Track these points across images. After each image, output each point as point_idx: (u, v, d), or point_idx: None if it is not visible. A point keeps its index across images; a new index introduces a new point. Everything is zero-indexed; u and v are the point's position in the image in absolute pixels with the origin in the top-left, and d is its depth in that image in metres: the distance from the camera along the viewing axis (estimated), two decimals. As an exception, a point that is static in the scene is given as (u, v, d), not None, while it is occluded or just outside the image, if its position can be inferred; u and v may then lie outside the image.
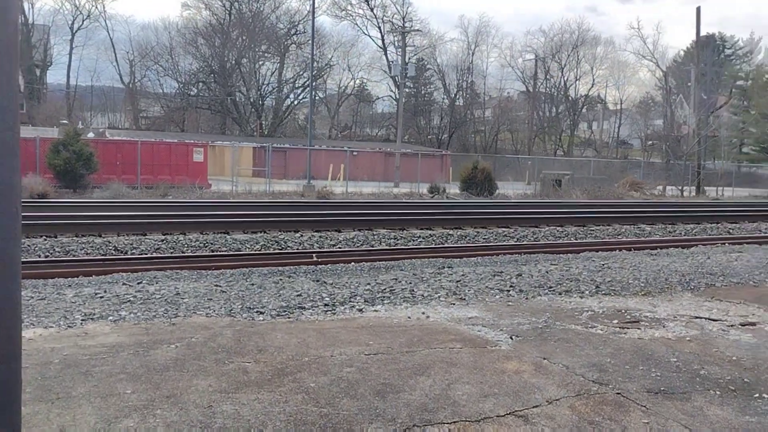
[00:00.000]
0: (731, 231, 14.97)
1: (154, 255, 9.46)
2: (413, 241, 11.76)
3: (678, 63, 77.13)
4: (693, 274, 8.28)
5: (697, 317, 5.75)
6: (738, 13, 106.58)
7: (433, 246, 10.95)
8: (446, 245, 11.17)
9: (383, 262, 8.95)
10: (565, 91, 77.53)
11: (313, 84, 49.90)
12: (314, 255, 9.52)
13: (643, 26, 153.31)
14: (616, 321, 5.51)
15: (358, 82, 72.32)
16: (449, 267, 8.61)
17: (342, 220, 13.49)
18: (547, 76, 76.23)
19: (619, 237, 13.26)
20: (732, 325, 5.47)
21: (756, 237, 13.26)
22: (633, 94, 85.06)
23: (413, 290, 6.84)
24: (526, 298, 6.66)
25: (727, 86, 76.58)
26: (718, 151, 57.80)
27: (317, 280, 7.43)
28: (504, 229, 13.51)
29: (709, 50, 65.62)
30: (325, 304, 6.07)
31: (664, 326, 5.36)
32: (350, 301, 6.26)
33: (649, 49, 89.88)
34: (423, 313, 5.83)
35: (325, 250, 10.52)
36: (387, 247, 10.84)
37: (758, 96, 71.29)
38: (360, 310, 5.91)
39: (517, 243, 11.57)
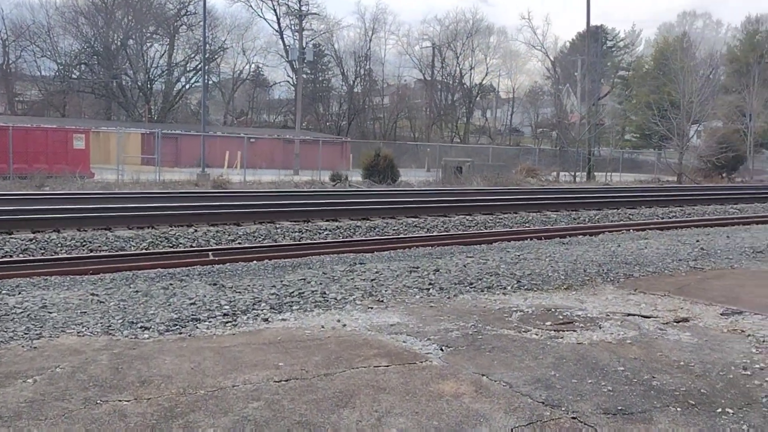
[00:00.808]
0: (631, 216, 15.27)
1: (19, 258, 8.19)
2: (319, 233, 11.01)
3: (564, 54, 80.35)
4: (609, 263, 8.07)
5: (629, 314, 5.41)
6: (617, 7, 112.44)
7: (342, 240, 10.25)
8: (356, 238, 10.51)
9: (289, 260, 8.16)
10: (460, 79, 78.81)
11: (206, 68, 47.65)
12: (210, 253, 8.59)
13: (533, 17, 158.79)
14: (549, 323, 5.05)
15: (253, 66, 70.17)
16: (361, 263, 7.96)
17: (241, 212, 12.46)
18: (444, 65, 77.14)
19: (528, 225, 13.13)
20: (667, 323, 5.15)
21: (657, 223, 13.52)
22: (524, 83, 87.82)
23: (325, 292, 6.13)
24: (449, 298, 6.12)
25: (610, 76, 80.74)
26: (605, 138, 60.55)
27: (214, 284, 6.56)
28: (413, 219, 13.02)
29: (594, 42, 68.66)
30: (225, 314, 5.25)
31: (600, 327, 4.96)
32: (254, 309, 5.47)
33: (539, 39, 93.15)
34: (338, 320, 5.15)
35: (222, 247, 9.58)
36: (292, 242, 10.02)
37: (638, 86, 75.58)
38: (266, 320, 5.15)
39: (429, 234, 11.08)
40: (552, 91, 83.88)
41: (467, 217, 13.75)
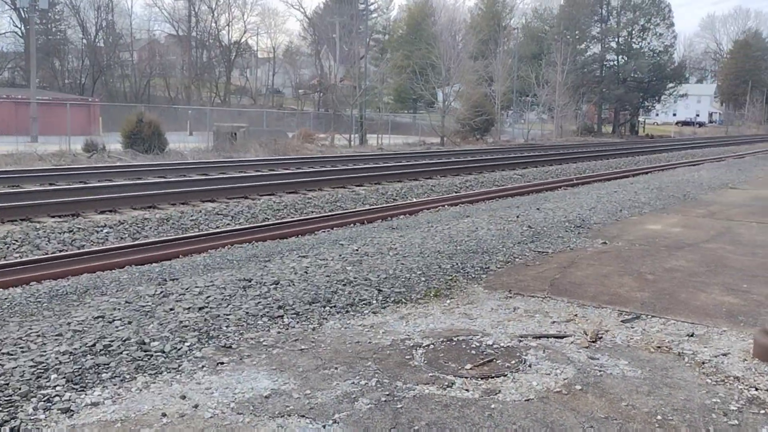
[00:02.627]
0: (434, 188, 14.98)
1: None
2: (97, 233, 8.65)
3: (319, 14, 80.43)
4: (456, 254, 7.28)
5: (540, 337, 4.56)
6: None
7: (133, 244, 7.99)
8: (152, 239, 8.36)
9: (66, 281, 6.03)
10: (216, 35, 74.69)
11: None
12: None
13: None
14: (469, 366, 3.97)
15: (-34, 12, 58.80)
16: (173, 279, 6.14)
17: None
18: (198, 20, 72.28)
19: (339, 205, 11.99)
20: (588, 347, 4.38)
21: (467, 196, 13.15)
22: (284, 43, 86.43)
23: (143, 341, 4.36)
24: (314, 329, 4.75)
25: (365, 39, 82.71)
26: (368, 101, 61.86)
27: (-38, 342, 4.38)
28: (211, 203, 11.11)
29: (348, 4, 69.42)
30: (-8, 412, 3.31)
31: (527, 363, 4.01)
32: (40, 390, 3.58)
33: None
34: (183, 396, 3.54)
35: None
36: (63, 254, 7.54)
37: (394, 49, 78.47)
38: (66, 411, 3.35)
39: (242, 226, 9.23)
40: (309, 51, 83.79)
41: (272, 198, 12.20)
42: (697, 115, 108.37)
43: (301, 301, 5.34)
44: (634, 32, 70.05)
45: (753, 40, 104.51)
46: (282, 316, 4.99)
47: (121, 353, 4.14)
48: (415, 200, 12.64)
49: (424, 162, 21.78)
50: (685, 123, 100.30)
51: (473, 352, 4.22)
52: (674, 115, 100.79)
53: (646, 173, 20.23)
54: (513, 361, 4.03)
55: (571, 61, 55.98)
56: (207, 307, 5.15)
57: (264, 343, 4.41)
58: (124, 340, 4.35)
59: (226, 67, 75.03)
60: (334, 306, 5.32)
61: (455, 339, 4.47)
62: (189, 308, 5.10)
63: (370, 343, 4.43)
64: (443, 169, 18.80)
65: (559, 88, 51.94)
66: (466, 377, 3.80)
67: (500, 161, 22.92)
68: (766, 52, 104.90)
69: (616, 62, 70.41)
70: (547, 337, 4.53)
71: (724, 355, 4.23)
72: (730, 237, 8.74)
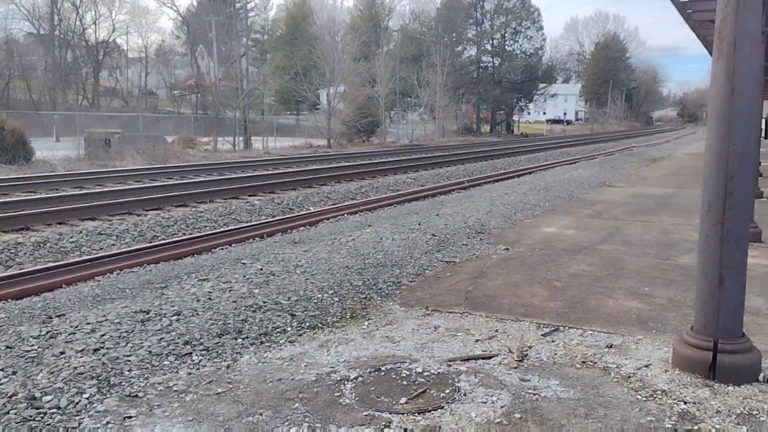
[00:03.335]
0: (330, 195, 14.68)
1: None
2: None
3: (194, 13, 77.71)
4: (365, 268, 7.09)
5: (468, 359, 4.44)
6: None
7: (7, 275, 7.03)
8: (30, 268, 7.43)
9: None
10: (82, 34, 70.20)
11: None
12: None
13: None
14: (403, 400, 3.77)
15: None
16: (59, 315, 5.46)
17: None
18: (61, 18, 67.58)
19: (234, 217, 11.40)
20: (517, 367, 4.31)
21: (366, 203, 12.89)
22: (156, 42, 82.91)
23: (33, 395, 3.80)
24: (228, 366, 4.38)
25: (243, 39, 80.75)
26: (252, 103, 60.47)
27: None
28: (92, 222, 10.18)
29: (222, 2, 67.48)
30: None
31: (461, 392, 3.87)
32: None
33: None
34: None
35: None
36: None
37: (274, 50, 77.25)
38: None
39: (131, 249, 8.32)
40: (184, 51, 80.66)
41: (159, 213, 11.41)
42: (565, 114, 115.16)
43: (209, 334, 4.93)
44: (507, 35, 73.23)
45: (612, 42, 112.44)
46: (190, 354, 4.57)
47: (7, 413, 3.59)
48: (313, 210, 12.31)
49: (315, 167, 21.43)
50: (555, 121, 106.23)
51: (404, 382, 4.03)
52: (544, 113, 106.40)
53: (530, 173, 21.04)
54: (447, 390, 3.88)
55: (450, 63, 57.55)
56: (103, 347, 4.62)
57: (174, 388, 3.99)
58: (11, 397, 3.78)
59: (93, 67, 70.73)
60: (247, 337, 4.95)
61: (383, 368, 4.26)
62: (82, 350, 4.55)
63: (293, 379, 4.12)
64: (337, 175, 18.54)
65: (439, 89, 53.23)
66: (403, 413, 3.60)
67: (392, 165, 23.02)
68: (623, 53, 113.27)
69: (491, 64, 73.25)
70: (476, 359, 4.43)
71: (646, 366, 4.30)
72: (621, 238, 9.14)
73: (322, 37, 56.19)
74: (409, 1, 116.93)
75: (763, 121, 25.80)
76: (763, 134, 25.58)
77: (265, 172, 19.19)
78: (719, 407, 3.65)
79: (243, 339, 4.90)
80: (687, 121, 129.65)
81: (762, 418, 3.53)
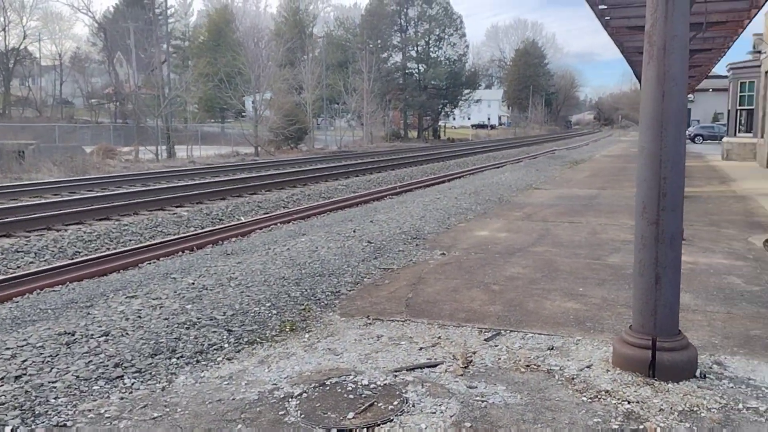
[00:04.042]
0: (261, 204, 14.33)
1: None
2: None
3: (110, 19, 75.07)
4: (302, 278, 6.93)
5: (414, 369, 4.38)
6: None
7: None
8: None
9: None
10: (-11, 41, 66.67)
11: None
12: None
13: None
14: (351, 415, 3.65)
15: None
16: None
17: None
18: (-35, 24, 63.97)
19: (160, 229, 10.91)
20: (463, 374, 4.28)
21: (298, 211, 12.64)
22: (71, 49, 79.72)
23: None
24: (163, 388, 4.15)
25: (164, 45, 78.57)
26: (175, 111, 58.86)
27: None
28: (7, 239, 9.51)
29: (140, 8, 65.54)
30: None
31: (410, 403, 3.79)
32: None
33: (83, 2, 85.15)
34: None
35: None
36: None
37: (196, 56, 75.47)
38: None
39: (52, 266, 7.72)
40: (100, 58, 77.69)
41: (81, 228, 10.81)
42: (489, 119, 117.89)
43: (140, 355, 4.67)
44: (431, 42, 74.18)
45: (531, 48, 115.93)
46: (121, 377, 4.31)
47: None
48: (244, 219, 11.97)
49: (244, 176, 20.94)
50: (480, 126, 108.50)
51: (351, 396, 3.92)
52: (469, 119, 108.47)
53: (460, 177, 21.32)
54: (395, 402, 3.79)
55: (376, 69, 57.81)
56: (25, 374, 4.30)
57: (106, 415, 3.75)
58: None
59: (3, 76, 67.18)
60: (181, 356, 4.72)
61: (328, 382, 4.13)
62: (2, 378, 4.21)
63: (233, 399, 3.94)
64: (267, 183, 18.15)
65: (366, 96, 53.36)
66: (351, 429, 3.49)
67: (322, 172, 22.83)
68: (542, 59, 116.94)
69: (417, 70, 74.05)
70: (421, 368, 4.36)
71: (588, 367, 4.35)
72: (551, 239, 9.33)
73: (246, 44, 55.39)
74: (332, 8, 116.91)
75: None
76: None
77: (191, 182, 18.62)
78: (662, 405, 3.72)
79: (177, 358, 4.67)
80: (603, 124, 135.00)
81: (702, 414, 3.62)
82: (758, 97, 24.71)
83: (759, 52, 25.44)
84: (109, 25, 72.98)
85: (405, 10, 73.08)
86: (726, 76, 28.42)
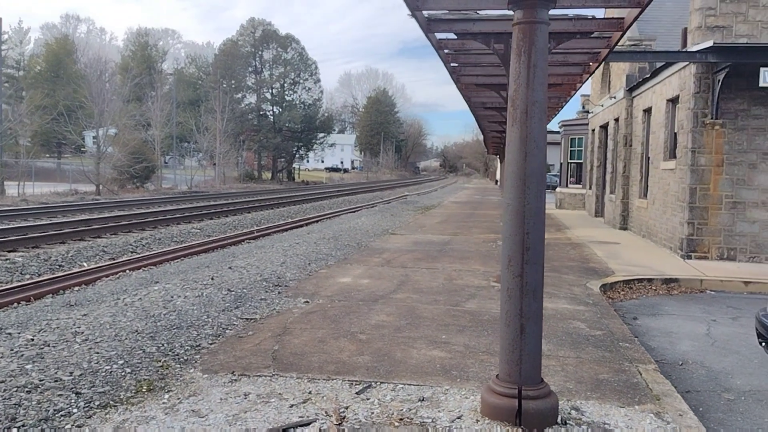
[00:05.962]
0: (107, 249, 13.30)
1: None
2: None
3: None
4: (158, 331, 6.50)
5: (284, 429, 4.21)
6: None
7: None
8: None
9: None
10: None
11: None
12: None
13: None
14: (223, 483, 3.42)
15: None
16: None
17: None
18: None
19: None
20: (338, 428, 4.18)
21: (150, 257, 11.88)
22: None
23: None
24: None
25: (-5, 74, 72.31)
26: (5, 145, 53.92)
27: None
28: None
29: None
30: None
31: (285, 466, 3.63)
32: None
33: None
34: None
35: None
36: None
37: (32, 87, 70.03)
38: None
39: None
40: None
41: None
42: (342, 162, 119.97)
43: (-28, 427, 4.10)
44: (286, 85, 74.61)
45: (382, 96, 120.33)
46: (-52, 456, 3.75)
47: None
48: (88, 266, 11.05)
49: (86, 217, 19.43)
50: (333, 169, 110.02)
51: (221, 463, 3.68)
52: (323, 162, 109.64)
53: (317, 221, 21.33)
54: (269, 467, 3.61)
55: (230, 109, 56.94)
56: None
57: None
58: None
59: None
60: (23, 425, 4.21)
61: (195, 449, 3.86)
62: None
63: (87, 474, 3.55)
64: (113, 226, 16.98)
65: (219, 136, 52.25)
66: (225, 500, 3.26)
67: (173, 214, 21.83)
68: (393, 107, 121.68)
69: (271, 112, 73.93)
70: (294, 428, 4.21)
71: (459, 418, 4.44)
72: (412, 285, 9.54)
73: (89, 76, 52.36)
74: (183, 45, 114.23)
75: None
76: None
77: (25, 224, 16.97)
78: (530, 453, 3.85)
79: (18, 428, 4.15)
80: (448, 171, 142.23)
81: (568, 459, 3.80)
82: (586, 151, 27.30)
83: (587, 111, 28.24)
84: None
85: (260, 52, 73.11)
86: (558, 132, 31.13)
